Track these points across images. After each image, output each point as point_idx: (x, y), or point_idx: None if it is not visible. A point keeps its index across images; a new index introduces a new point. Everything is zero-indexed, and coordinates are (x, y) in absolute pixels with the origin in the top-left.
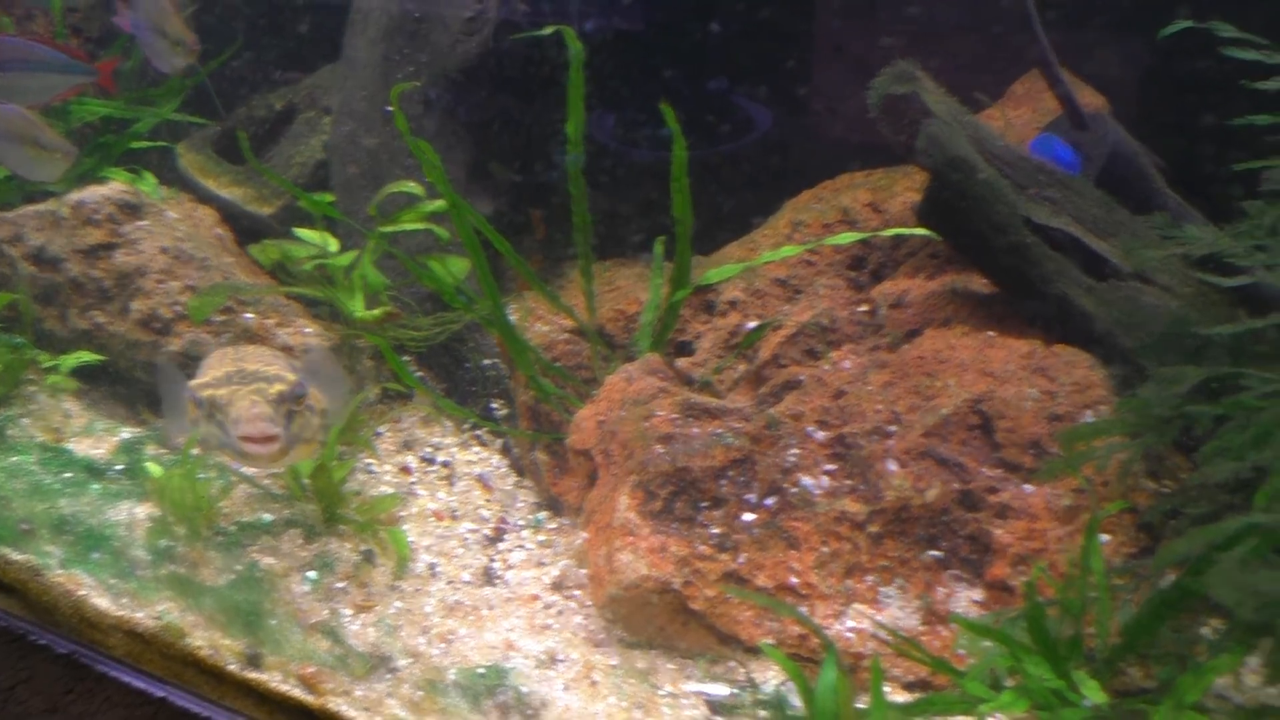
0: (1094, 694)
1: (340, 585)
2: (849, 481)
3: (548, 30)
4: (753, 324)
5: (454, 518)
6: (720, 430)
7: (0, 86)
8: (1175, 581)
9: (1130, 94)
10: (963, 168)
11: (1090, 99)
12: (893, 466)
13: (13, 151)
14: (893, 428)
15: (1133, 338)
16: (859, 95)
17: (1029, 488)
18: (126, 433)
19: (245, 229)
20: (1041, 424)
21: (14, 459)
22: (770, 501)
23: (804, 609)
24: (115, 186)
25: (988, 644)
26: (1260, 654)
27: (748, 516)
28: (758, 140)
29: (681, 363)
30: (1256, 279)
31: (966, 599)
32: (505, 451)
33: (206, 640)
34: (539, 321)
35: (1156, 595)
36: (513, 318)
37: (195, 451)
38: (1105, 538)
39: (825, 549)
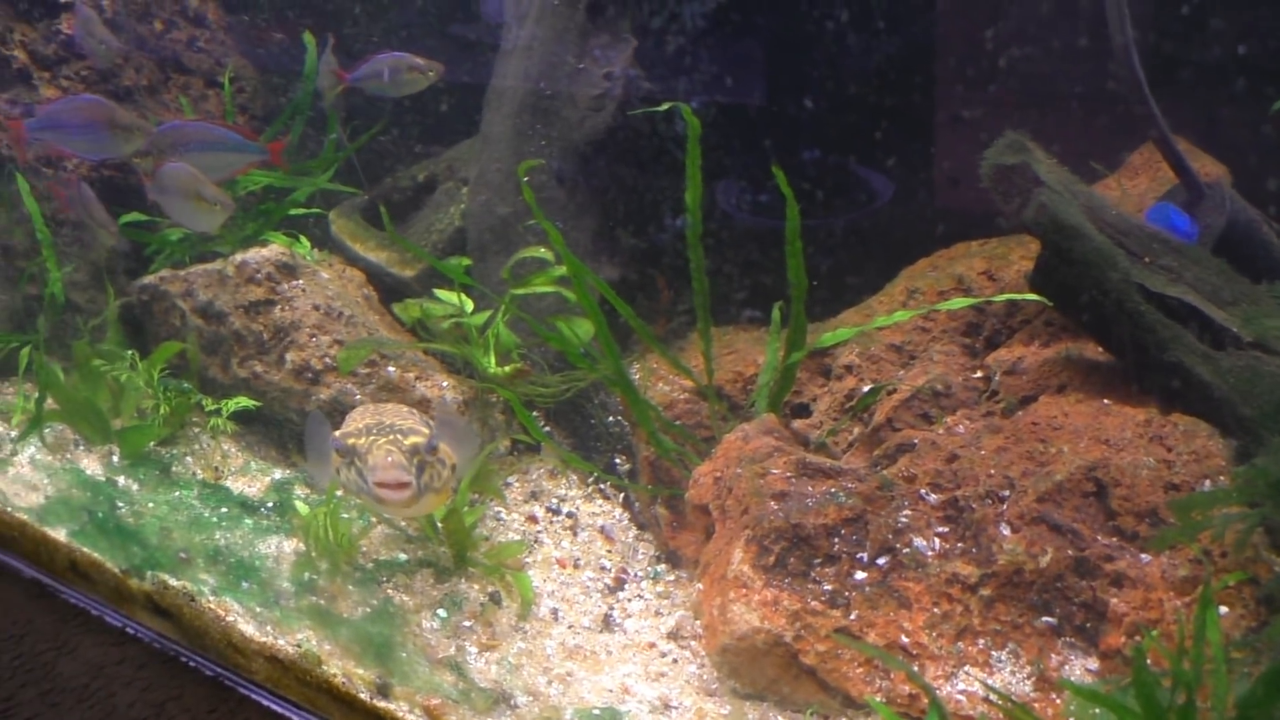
0: None
1: (467, 624)
2: (961, 544)
3: (664, 107)
4: (868, 387)
5: (577, 566)
6: (834, 489)
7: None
8: None
9: (1255, 164)
10: (1073, 235)
11: (1209, 168)
12: (1006, 531)
13: (177, 204)
14: (1006, 492)
15: (1252, 407)
16: (976, 165)
17: (1145, 557)
18: (278, 473)
19: (389, 289)
20: (1158, 492)
21: (177, 494)
22: (882, 561)
23: (914, 669)
24: (275, 249)
25: (1098, 711)
26: None
27: (859, 575)
28: (879, 209)
29: (798, 424)
30: None
31: (1081, 667)
32: (627, 505)
33: (341, 669)
34: (660, 381)
35: (1273, 669)
36: (636, 377)
37: (339, 493)
38: (1224, 610)
39: (936, 610)
